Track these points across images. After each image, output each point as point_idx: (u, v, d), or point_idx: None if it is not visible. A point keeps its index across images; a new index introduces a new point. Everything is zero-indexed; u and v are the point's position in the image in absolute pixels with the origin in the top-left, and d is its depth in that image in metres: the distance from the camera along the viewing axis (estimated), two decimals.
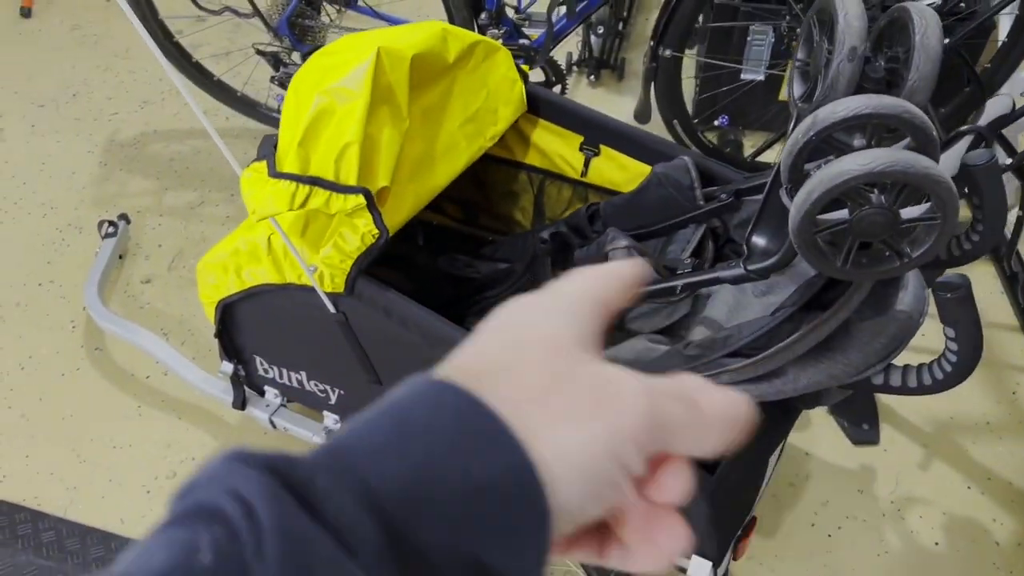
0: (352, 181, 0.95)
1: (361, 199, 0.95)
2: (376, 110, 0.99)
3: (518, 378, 0.27)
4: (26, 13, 2.94)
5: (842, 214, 0.75)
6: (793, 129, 0.82)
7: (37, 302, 1.93)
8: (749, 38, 1.99)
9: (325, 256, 1.05)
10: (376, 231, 0.99)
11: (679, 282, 1.02)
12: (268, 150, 0.98)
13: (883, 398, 1.66)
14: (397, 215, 1.12)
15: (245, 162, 1.03)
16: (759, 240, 0.96)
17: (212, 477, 0.23)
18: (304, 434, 1.42)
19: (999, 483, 1.54)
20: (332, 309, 1.10)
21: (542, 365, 0.28)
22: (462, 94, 1.20)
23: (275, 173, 0.95)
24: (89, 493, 1.58)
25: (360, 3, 1.89)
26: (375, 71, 0.98)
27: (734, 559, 1.09)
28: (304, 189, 0.95)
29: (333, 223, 1.05)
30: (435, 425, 0.25)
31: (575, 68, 2.45)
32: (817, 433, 1.62)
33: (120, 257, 1.99)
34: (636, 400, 0.28)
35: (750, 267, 0.93)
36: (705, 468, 0.92)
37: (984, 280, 1.87)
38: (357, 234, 1.01)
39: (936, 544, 1.47)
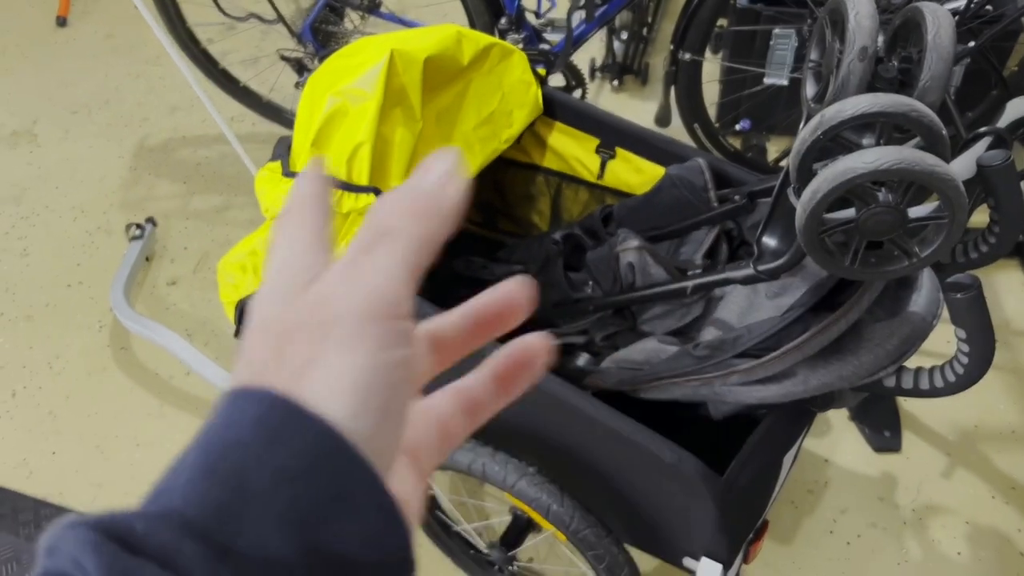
0: (364, 181, 0.97)
1: (372, 198, 0.96)
2: (389, 111, 1.01)
3: (273, 354, 0.27)
4: (61, 22, 3.01)
5: (849, 213, 0.75)
6: (802, 129, 0.82)
7: (66, 303, 1.97)
8: (772, 42, 1.98)
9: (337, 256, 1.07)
10: None
11: (690, 283, 1.02)
12: (282, 150, 1.00)
13: (906, 405, 1.64)
14: None
15: None
16: (769, 240, 0.95)
17: (48, 547, 0.24)
18: None
19: None
20: None
21: (265, 332, 0.27)
22: (476, 96, 1.21)
23: (288, 172, 0.96)
24: (112, 490, 1.61)
25: (383, 9, 1.91)
26: (388, 72, 0.99)
27: (745, 563, 1.08)
28: None
29: (346, 224, 1.06)
30: (231, 431, 0.25)
31: (598, 73, 2.46)
32: (837, 439, 1.60)
33: (147, 259, 2.03)
34: (350, 299, 0.27)
35: (760, 268, 0.92)
36: (715, 468, 0.92)
37: (1008, 283, 1.84)
38: None
39: (958, 554, 1.45)
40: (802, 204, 0.74)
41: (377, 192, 0.97)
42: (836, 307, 0.87)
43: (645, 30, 2.47)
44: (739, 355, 0.91)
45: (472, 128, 1.21)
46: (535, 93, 1.30)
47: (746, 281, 0.95)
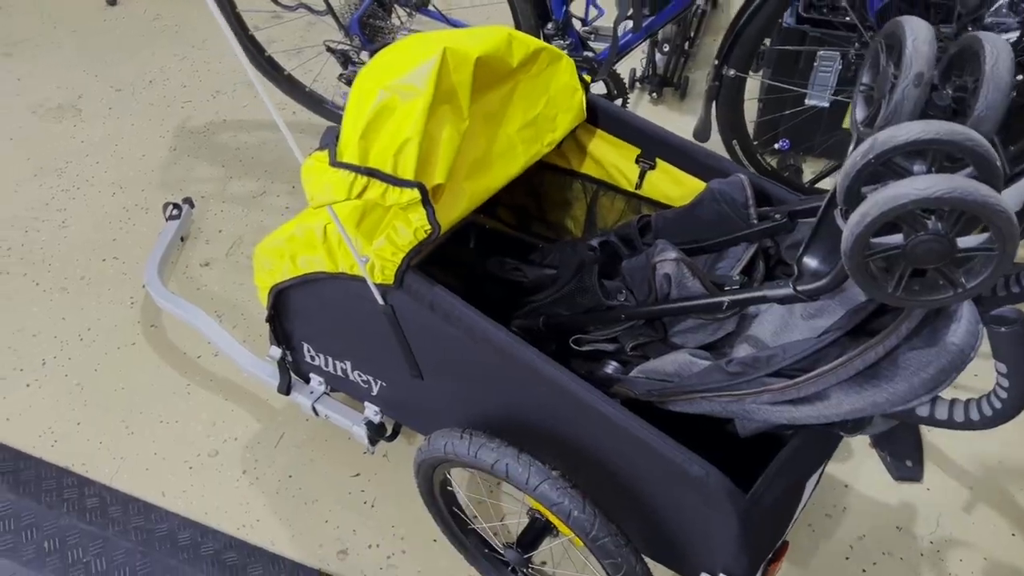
0: (409, 176, 0.97)
1: (416, 194, 0.97)
2: (437, 108, 1.01)
3: None
4: (112, 1, 3.06)
5: (897, 239, 0.75)
6: (852, 152, 0.82)
7: (100, 276, 2.00)
8: (816, 63, 1.98)
9: (378, 248, 1.07)
10: (429, 227, 1.01)
11: (726, 299, 1.02)
12: (330, 140, 1.00)
13: (929, 436, 1.62)
14: (451, 213, 1.14)
15: None
16: (810, 261, 0.95)
17: None
18: (345, 423, 1.45)
19: None
20: (380, 300, 1.12)
21: None
22: (523, 99, 1.21)
23: (336, 162, 0.97)
24: (134, 464, 1.63)
25: (430, 7, 1.92)
26: (440, 70, 1.00)
27: None
28: (362, 180, 0.97)
29: (388, 216, 1.07)
30: None
31: (638, 84, 2.46)
32: (858, 465, 1.59)
33: (182, 239, 2.05)
34: None
35: (799, 288, 0.92)
36: (740, 486, 0.92)
37: None
38: (410, 228, 1.03)
39: None
40: (849, 227, 0.74)
41: (422, 188, 0.97)
42: (873, 332, 0.87)
43: (687, 44, 2.47)
44: (773, 374, 0.91)
45: (516, 130, 1.21)
46: (580, 99, 1.31)
47: (784, 300, 0.95)
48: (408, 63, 1.01)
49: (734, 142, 1.93)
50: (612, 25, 1.83)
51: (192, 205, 2.08)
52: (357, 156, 0.98)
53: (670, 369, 1.05)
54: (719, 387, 0.95)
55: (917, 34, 0.84)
